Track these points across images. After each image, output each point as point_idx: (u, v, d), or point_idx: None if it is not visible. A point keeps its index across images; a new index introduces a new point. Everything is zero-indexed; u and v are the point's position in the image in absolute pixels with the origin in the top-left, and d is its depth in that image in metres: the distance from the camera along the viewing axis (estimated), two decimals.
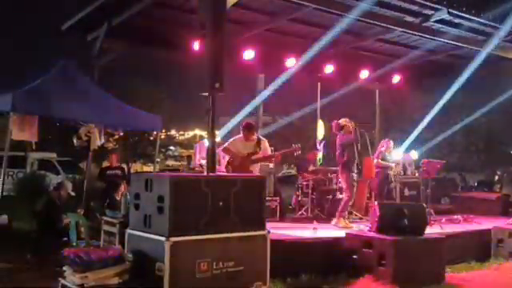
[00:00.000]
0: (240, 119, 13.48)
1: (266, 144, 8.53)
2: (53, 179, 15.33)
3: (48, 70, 9.67)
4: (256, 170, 8.44)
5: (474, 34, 11.94)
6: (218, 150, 8.25)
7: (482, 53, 12.76)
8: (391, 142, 10.96)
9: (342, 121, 9.15)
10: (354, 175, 8.93)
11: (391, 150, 10.81)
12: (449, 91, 13.96)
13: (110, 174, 10.02)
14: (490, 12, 11.03)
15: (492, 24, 11.50)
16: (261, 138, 8.64)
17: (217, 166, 7.03)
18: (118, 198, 8.60)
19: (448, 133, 19.50)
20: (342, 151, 9.01)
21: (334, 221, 9.00)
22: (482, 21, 11.11)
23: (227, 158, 8.83)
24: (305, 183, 11.10)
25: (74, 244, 7.12)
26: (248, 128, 8.48)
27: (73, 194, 8.32)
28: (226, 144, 8.49)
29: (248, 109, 13.15)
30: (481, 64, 14.42)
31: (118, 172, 10.19)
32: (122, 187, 8.84)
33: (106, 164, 11.18)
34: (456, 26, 11.44)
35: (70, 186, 8.40)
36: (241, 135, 8.54)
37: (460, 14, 10.87)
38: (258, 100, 13.32)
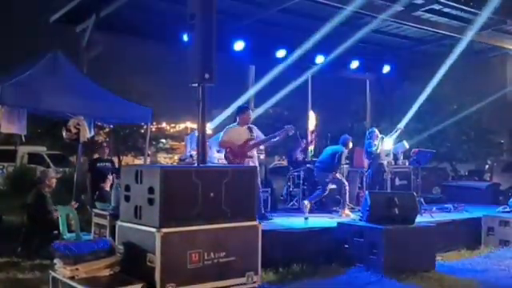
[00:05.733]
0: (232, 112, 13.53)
1: (258, 130, 8.43)
2: None
3: (36, 62, 9.56)
4: (255, 155, 8.36)
5: (463, 23, 11.97)
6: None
7: (471, 42, 12.81)
8: (376, 130, 10.81)
9: None
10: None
11: (378, 137, 10.62)
12: (438, 81, 14.01)
13: (100, 166, 9.96)
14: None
15: (481, 13, 11.53)
16: (250, 124, 8.50)
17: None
18: (108, 190, 8.57)
19: (439, 122, 19.53)
20: None
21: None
22: (471, 10, 11.13)
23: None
24: (296, 174, 11.11)
25: (65, 237, 7.09)
26: (244, 111, 8.38)
27: (58, 175, 8.21)
28: (223, 136, 8.28)
29: (240, 101, 13.14)
30: (470, 53, 14.50)
31: (108, 164, 10.13)
32: (111, 179, 8.79)
33: (95, 156, 11.07)
34: (445, 15, 11.46)
35: (52, 172, 8.33)
36: (234, 124, 8.44)
37: (449, 3, 10.88)
38: (249, 92, 13.30)
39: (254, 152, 8.40)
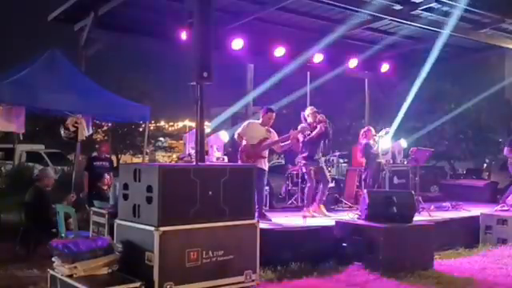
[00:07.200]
0: (232, 111, 13.53)
1: (275, 135, 8.39)
2: None
3: (35, 60, 9.55)
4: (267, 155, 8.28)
5: (462, 22, 11.96)
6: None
7: (469, 40, 12.82)
8: (371, 129, 10.77)
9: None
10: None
11: (375, 137, 10.58)
12: (436, 79, 14.02)
13: (97, 165, 9.93)
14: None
15: (480, 12, 11.53)
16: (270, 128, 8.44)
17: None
18: (105, 189, 8.56)
19: (437, 121, 19.58)
20: None
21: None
22: (470, 9, 11.13)
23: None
24: (294, 173, 11.12)
25: (63, 235, 7.08)
26: (266, 112, 8.35)
27: (57, 175, 8.20)
28: (239, 129, 8.29)
29: (240, 100, 13.18)
30: (469, 52, 14.52)
31: (106, 163, 10.08)
32: (108, 178, 8.78)
33: (93, 154, 11.04)
34: (444, 14, 11.46)
35: (51, 171, 8.31)
36: (256, 120, 8.49)
37: (448, 1, 10.87)
38: (248, 91, 13.30)
39: (267, 153, 8.34)
